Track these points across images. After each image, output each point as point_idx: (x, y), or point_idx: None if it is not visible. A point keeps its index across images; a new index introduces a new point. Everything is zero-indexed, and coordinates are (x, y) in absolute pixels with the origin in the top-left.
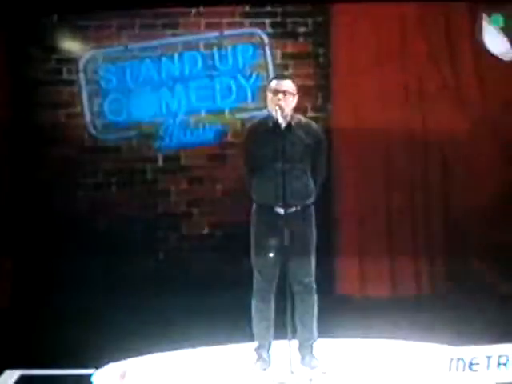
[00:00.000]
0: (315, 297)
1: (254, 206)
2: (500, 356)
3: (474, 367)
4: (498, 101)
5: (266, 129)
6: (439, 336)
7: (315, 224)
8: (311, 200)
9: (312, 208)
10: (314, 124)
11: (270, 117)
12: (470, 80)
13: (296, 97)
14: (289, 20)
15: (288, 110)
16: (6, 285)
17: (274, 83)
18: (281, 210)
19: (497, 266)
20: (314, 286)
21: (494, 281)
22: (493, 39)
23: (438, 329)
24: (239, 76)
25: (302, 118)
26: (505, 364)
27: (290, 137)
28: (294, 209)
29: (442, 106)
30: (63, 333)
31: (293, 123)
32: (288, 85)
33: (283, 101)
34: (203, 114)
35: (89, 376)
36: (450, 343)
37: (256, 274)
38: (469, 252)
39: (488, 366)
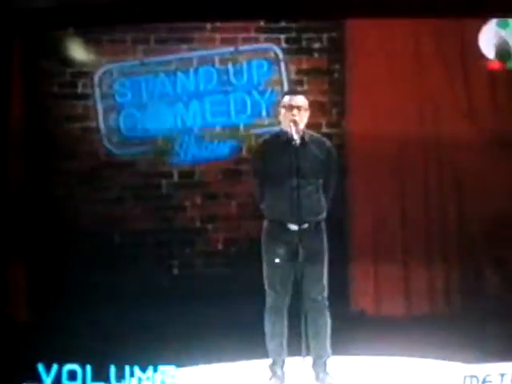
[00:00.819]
0: (328, 313)
1: (266, 222)
2: None
3: None
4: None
5: (279, 144)
6: (453, 353)
7: (327, 240)
8: (323, 216)
9: (323, 224)
10: (325, 140)
11: (282, 132)
12: (482, 93)
13: (308, 112)
14: (304, 36)
15: (302, 126)
16: (21, 299)
17: (287, 99)
18: (294, 227)
19: (511, 284)
20: (327, 302)
21: (509, 299)
22: (490, 45)
23: (452, 346)
24: (254, 91)
25: (314, 134)
26: None
27: (304, 152)
28: (306, 225)
29: (456, 122)
30: (76, 347)
31: (306, 139)
32: (301, 100)
33: (298, 116)
34: (218, 129)
35: None
36: (463, 361)
37: (269, 291)
38: (484, 270)
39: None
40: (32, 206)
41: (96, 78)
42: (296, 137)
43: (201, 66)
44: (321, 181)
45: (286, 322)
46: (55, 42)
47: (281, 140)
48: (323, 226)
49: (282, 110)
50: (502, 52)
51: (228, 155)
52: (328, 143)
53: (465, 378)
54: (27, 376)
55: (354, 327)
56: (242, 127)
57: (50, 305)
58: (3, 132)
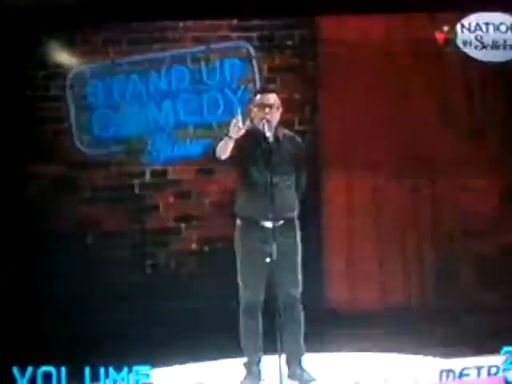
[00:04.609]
0: (301, 309)
1: (238, 220)
2: (490, 366)
3: (464, 378)
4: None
5: (252, 142)
6: (429, 348)
7: (301, 237)
8: (296, 213)
9: (296, 221)
10: (296, 137)
11: (254, 130)
12: (456, 91)
13: (280, 110)
14: (276, 33)
15: (274, 124)
16: None
17: (260, 97)
18: (269, 224)
19: (485, 279)
20: (300, 298)
21: (482, 293)
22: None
23: (428, 341)
24: (227, 89)
25: (287, 131)
26: (495, 374)
27: (278, 150)
28: (281, 222)
29: (430, 119)
30: (50, 349)
31: (279, 136)
32: (273, 98)
33: (270, 114)
34: (191, 128)
35: None
36: (440, 355)
37: (243, 290)
38: (457, 265)
39: (478, 377)
40: (4, 207)
41: (68, 80)
42: (269, 134)
43: (173, 65)
44: (293, 177)
45: (260, 320)
46: (28, 45)
47: (253, 138)
48: (296, 222)
49: (255, 109)
50: None
51: (201, 154)
52: (299, 140)
53: (441, 372)
54: (2, 379)
55: (329, 323)
56: (214, 125)
57: (23, 306)
58: None
